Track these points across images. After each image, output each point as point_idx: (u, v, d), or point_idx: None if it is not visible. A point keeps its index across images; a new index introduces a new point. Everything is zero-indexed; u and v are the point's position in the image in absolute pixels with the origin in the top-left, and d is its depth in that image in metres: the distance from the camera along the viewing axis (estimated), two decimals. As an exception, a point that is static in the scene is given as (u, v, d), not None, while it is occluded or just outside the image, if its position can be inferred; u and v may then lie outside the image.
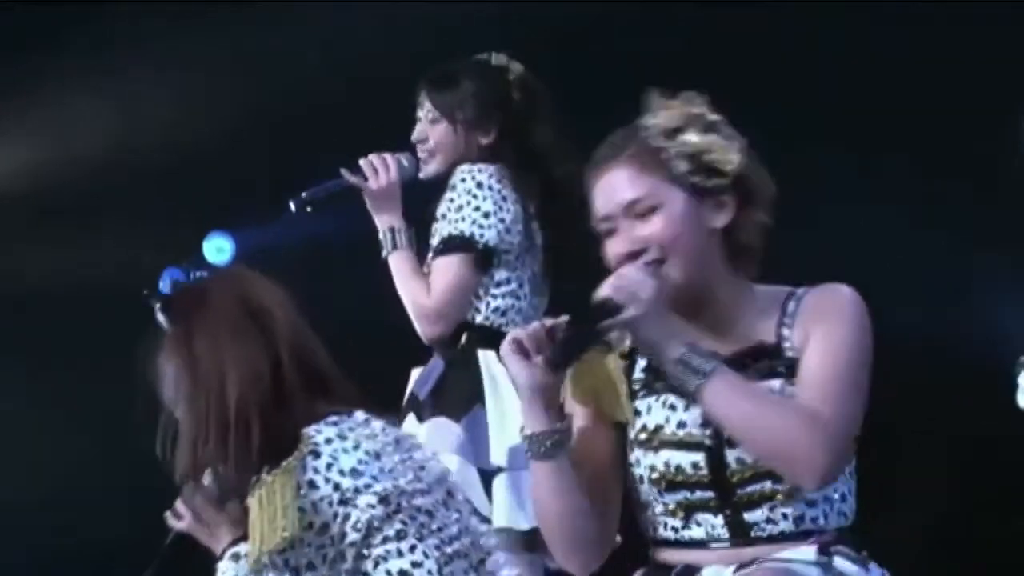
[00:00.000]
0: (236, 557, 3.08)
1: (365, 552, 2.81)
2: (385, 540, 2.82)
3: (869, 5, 5.14)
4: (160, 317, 3.05)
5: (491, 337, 3.92)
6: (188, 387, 2.92)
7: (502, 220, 3.96)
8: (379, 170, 4.05)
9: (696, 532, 2.68)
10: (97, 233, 5.82)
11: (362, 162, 4.07)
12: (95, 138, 5.80)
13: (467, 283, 3.97)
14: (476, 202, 3.95)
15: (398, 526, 2.83)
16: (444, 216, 3.98)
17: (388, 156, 4.07)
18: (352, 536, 2.81)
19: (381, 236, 4.06)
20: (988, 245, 5.10)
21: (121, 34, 5.65)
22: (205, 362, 2.91)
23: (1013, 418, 5.08)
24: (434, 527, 2.87)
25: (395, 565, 2.80)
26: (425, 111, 4.08)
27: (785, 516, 2.62)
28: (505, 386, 3.83)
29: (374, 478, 2.83)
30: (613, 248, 2.67)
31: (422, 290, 3.98)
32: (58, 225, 5.84)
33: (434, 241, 4.02)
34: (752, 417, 2.56)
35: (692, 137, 2.65)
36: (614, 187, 2.67)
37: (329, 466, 2.82)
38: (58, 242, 5.83)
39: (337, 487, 2.81)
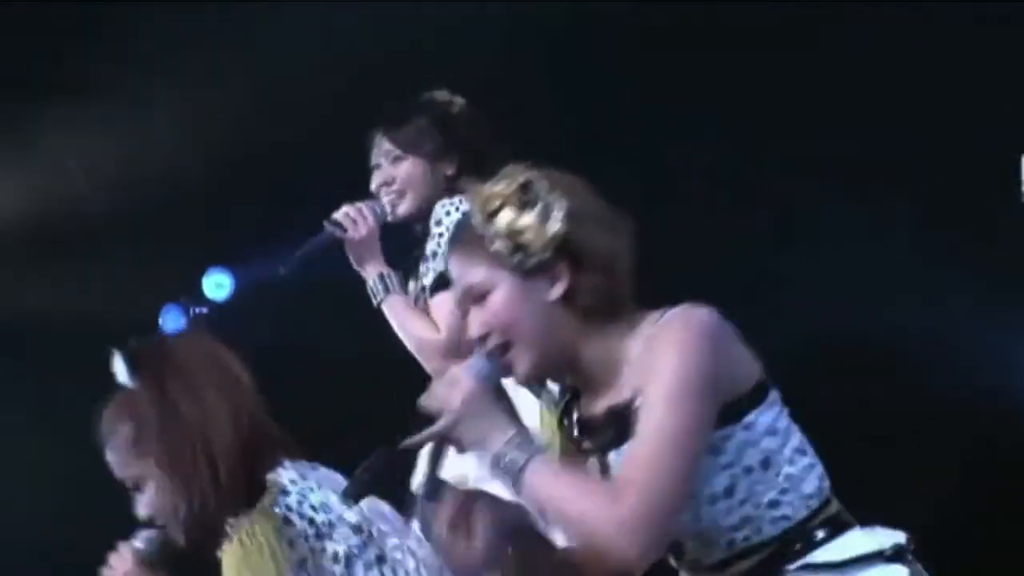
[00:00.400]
0: None
1: None
2: (367, 566, 2.90)
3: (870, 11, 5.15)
4: (122, 370, 3.06)
5: None
6: (170, 433, 2.97)
7: None
8: (357, 220, 4.09)
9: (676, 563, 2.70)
10: (97, 267, 5.82)
11: (339, 215, 4.11)
12: (95, 172, 5.81)
13: None
14: None
15: (376, 551, 2.93)
16: (435, 253, 4.02)
17: (362, 205, 4.11)
18: (333, 568, 2.89)
19: (371, 284, 4.10)
20: (987, 262, 5.11)
21: (120, 69, 5.65)
22: (185, 409, 2.98)
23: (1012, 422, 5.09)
24: (407, 550, 2.92)
25: None
26: (385, 152, 4.14)
27: (717, 544, 2.61)
28: (528, 409, 3.87)
29: (343, 510, 2.92)
30: (467, 332, 2.68)
31: (427, 327, 4.01)
32: (57, 259, 5.83)
33: (428, 280, 4.05)
34: (560, 509, 2.52)
35: (506, 217, 2.60)
36: (455, 274, 2.69)
37: (300, 503, 2.91)
38: (58, 276, 5.83)
39: (312, 522, 2.90)
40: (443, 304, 3.98)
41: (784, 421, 2.62)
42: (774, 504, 2.58)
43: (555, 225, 2.59)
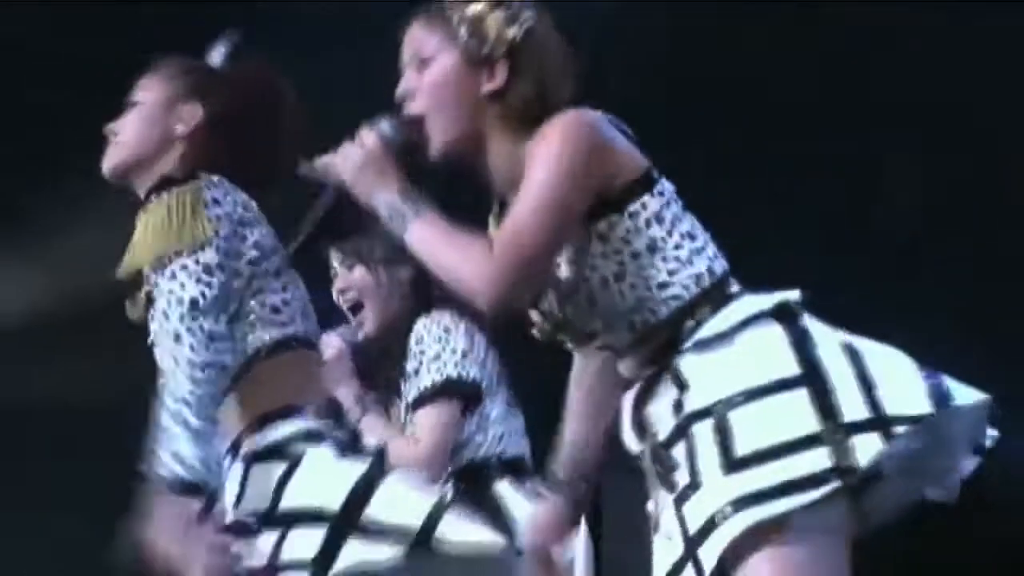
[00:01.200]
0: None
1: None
2: (283, 264, 3.18)
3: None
4: (222, 54, 3.35)
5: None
6: (185, 109, 3.27)
7: (477, 356, 4.08)
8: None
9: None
10: (96, 352, 5.80)
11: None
12: (100, 263, 5.78)
13: (459, 423, 4.06)
14: (453, 344, 4.06)
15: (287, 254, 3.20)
16: (417, 371, 4.07)
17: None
18: (249, 253, 3.15)
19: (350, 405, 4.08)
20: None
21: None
22: (209, 110, 3.28)
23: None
24: None
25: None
26: (339, 260, 4.15)
27: (620, 328, 2.78)
28: None
29: (259, 213, 3.20)
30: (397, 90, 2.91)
31: (405, 442, 4.03)
32: (58, 344, 5.81)
33: (411, 397, 4.09)
34: (438, 262, 2.77)
35: (477, 7, 2.84)
36: (406, 39, 2.90)
37: (226, 194, 3.17)
38: (59, 361, 5.81)
39: (237, 207, 3.16)
40: (427, 417, 4.03)
41: (672, 210, 2.80)
42: (664, 285, 2.73)
43: (516, 31, 2.82)
